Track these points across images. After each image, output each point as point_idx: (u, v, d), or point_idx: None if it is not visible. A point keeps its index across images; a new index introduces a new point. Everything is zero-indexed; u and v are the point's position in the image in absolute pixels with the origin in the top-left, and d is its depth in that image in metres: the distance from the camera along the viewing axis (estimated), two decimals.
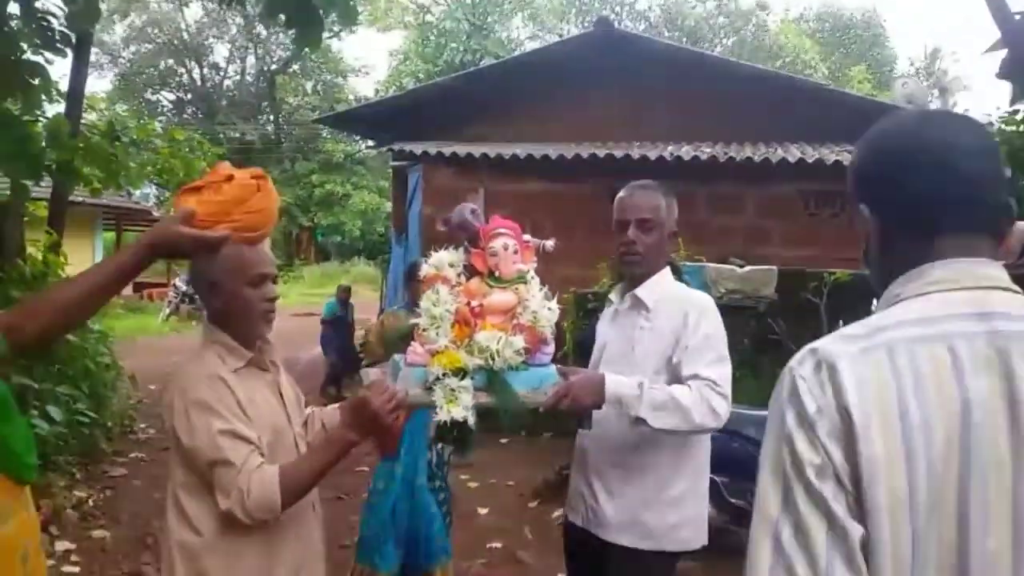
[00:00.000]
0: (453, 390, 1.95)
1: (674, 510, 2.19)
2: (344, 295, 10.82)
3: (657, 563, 2.20)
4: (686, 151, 8.50)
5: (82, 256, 18.40)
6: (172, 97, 34.24)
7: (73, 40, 5.91)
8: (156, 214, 20.76)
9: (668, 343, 2.17)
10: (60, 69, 8.22)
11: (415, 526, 3.69)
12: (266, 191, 1.74)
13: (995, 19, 4.56)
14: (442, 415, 1.94)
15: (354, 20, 5.39)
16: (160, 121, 29.80)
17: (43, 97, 6.96)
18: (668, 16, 26.70)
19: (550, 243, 2.28)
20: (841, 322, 4.17)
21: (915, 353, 0.95)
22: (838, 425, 0.94)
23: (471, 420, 1.95)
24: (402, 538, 3.63)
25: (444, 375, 1.96)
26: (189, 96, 33.96)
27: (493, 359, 1.98)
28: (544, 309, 2.08)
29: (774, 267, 5.95)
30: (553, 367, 2.11)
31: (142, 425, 7.58)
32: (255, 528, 1.78)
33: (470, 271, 2.16)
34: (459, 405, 1.94)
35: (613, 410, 2.06)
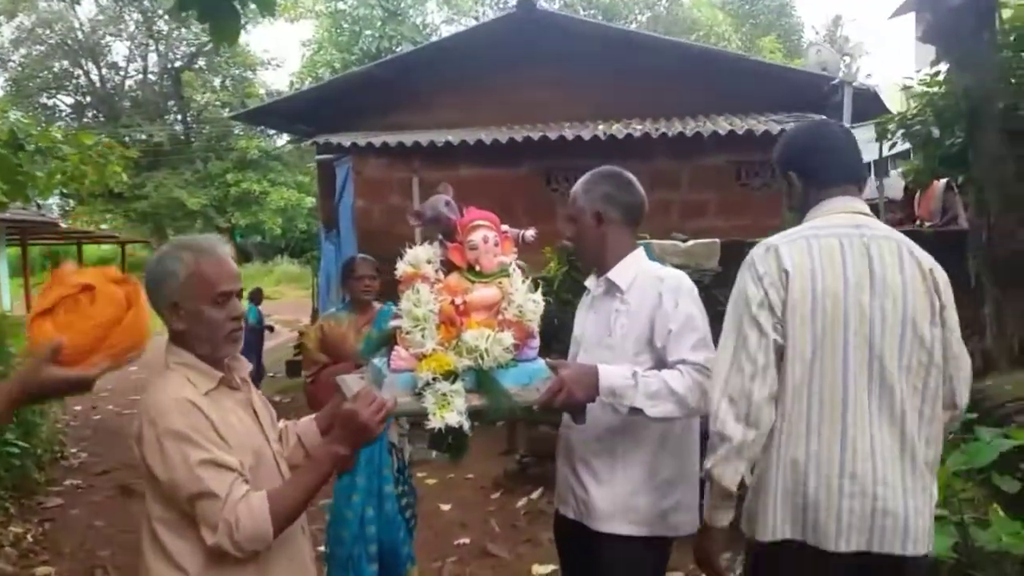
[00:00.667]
0: (445, 395, 1.83)
1: (665, 495, 2.14)
2: (257, 298, 10.50)
3: (650, 549, 2.16)
4: (618, 129, 8.50)
5: None
6: (70, 101, 32.49)
7: None
8: (63, 226, 19.72)
9: (644, 324, 2.12)
10: None
11: (387, 536, 3.58)
12: (139, 303, 1.56)
13: None
14: (435, 422, 1.81)
15: (273, 9, 5.11)
16: (59, 126, 28.30)
17: None
18: None
19: (530, 232, 2.20)
20: None
21: (821, 242, 1.79)
22: (776, 279, 1.76)
23: (466, 425, 1.83)
24: (375, 551, 3.51)
25: (434, 380, 1.84)
26: (88, 99, 32.25)
27: (483, 358, 1.88)
28: (529, 302, 2.00)
29: (716, 240, 5.97)
30: (541, 361, 2.02)
31: (73, 450, 7.17)
32: (247, 559, 1.66)
33: (447, 266, 2.05)
34: (453, 410, 1.82)
35: (607, 401, 1.99)
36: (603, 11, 25.44)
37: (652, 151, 8.34)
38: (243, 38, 28.28)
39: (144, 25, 30.46)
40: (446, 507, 5.28)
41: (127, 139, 28.16)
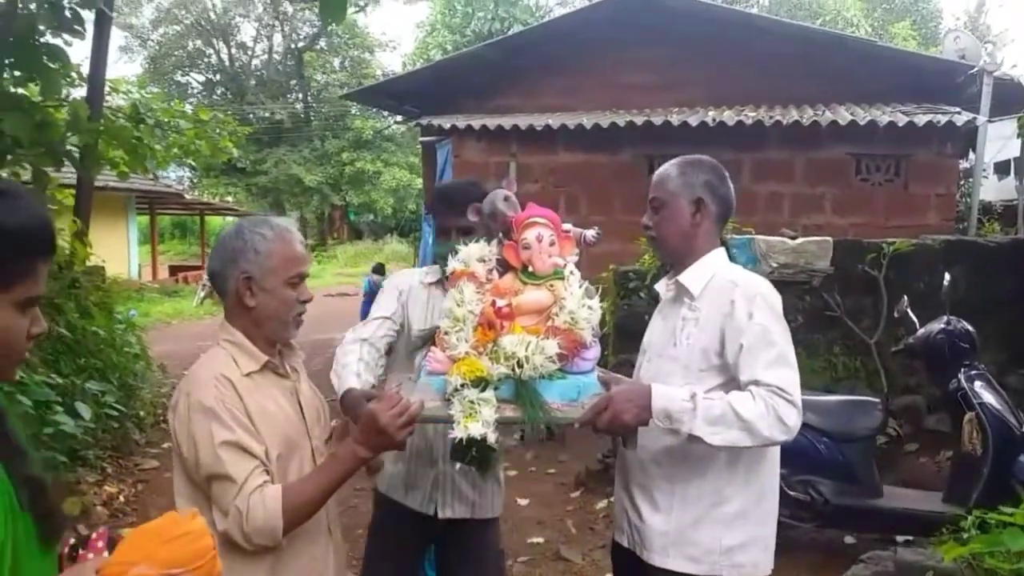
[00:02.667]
0: (472, 403, 1.67)
1: (731, 529, 1.89)
2: (379, 271, 11.25)
3: None
4: (728, 116, 8.07)
5: (117, 239, 18.54)
6: (201, 79, 34.25)
7: (84, 21, 5.70)
8: (187, 197, 20.78)
9: (713, 335, 1.87)
10: (85, 52, 7.99)
11: None
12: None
13: None
14: (458, 431, 1.65)
15: None
16: (190, 103, 29.85)
17: (63, 81, 6.81)
18: None
19: (591, 232, 2.03)
20: (905, 297, 3.80)
21: None
22: None
23: (492, 438, 1.65)
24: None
25: (463, 385, 1.68)
26: (218, 77, 33.92)
27: (521, 366, 1.70)
28: (583, 309, 1.79)
29: (829, 238, 5.54)
30: (595, 375, 1.83)
31: None
32: (261, 551, 1.60)
33: (504, 266, 1.89)
34: (479, 420, 1.65)
35: (661, 426, 1.77)
36: None
37: (764, 140, 7.89)
38: (362, 20, 29.02)
39: (271, 6, 31.65)
40: (523, 502, 5.15)
41: (251, 116, 29.45)
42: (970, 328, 4.02)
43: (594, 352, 1.83)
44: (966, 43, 9.68)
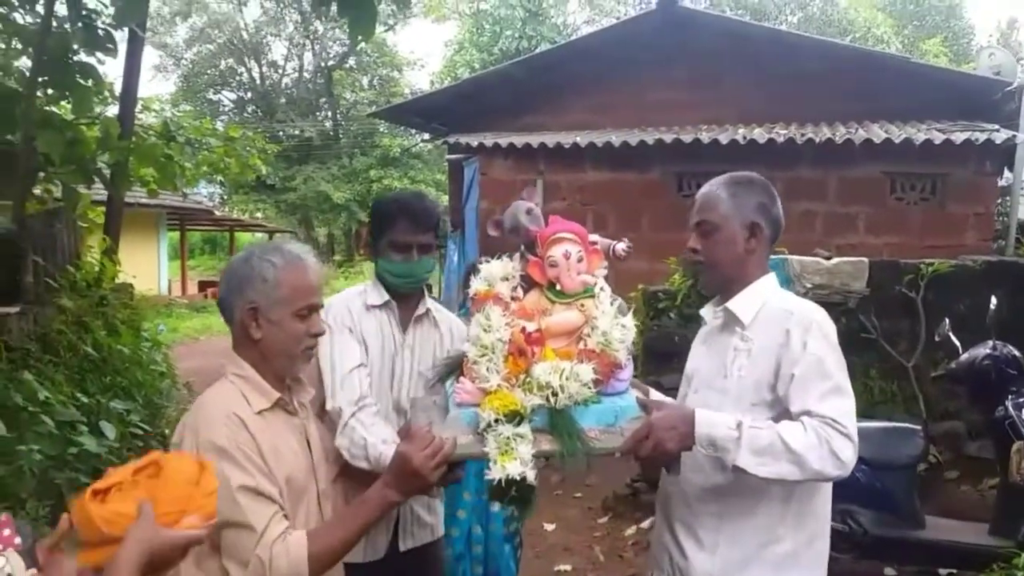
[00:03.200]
0: (508, 439, 1.57)
1: (781, 572, 1.78)
2: None
3: None
4: (759, 134, 7.95)
5: (147, 255, 18.77)
6: (233, 96, 34.77)
7: (116, 39, 5.75)
8: (217, 213, 20.99)
9: (767, 367, 1.77)
10: (118, 71, 8.07)
11: (492, 558, 3.42)
12: (209, 470, 1.30)
13: None
14: (495, 472, 1.55)
15: (408, 2, 5.12)
16: (221, 120, 30.27)
17: (96, 99, 6.88)
18: None
19: (622, 245, 1.94)
20: (946, 320, 3.67)
21: None
22: None
23: (531, 476, 1.56)
24: (481, 573, 3.36)
25: (497, 421, 1.58)
26: (249, 95, 34.40)
27: (556, 395, 1.61)
28: (617, 328, 1.70)
29: (865, 259, 5.39)
30: (632, 396, 1.73)
31: None
32: None
33: (528, 282, 1.79)
34: (516, 458, 1.55)
35: (705, 454, 1.67)
36: (751, 11, 24.37)
37: (796, 158, 7.75)
38: (391, 38, 29.32)
39: (302, 26, 32.08)
40: (550, 527, 5.04)
41: (281, 134, 29.81)
42: (1017, 353, 3.87)
43: (628, 372, 1.74)
44: (1001, 59, 9.48)
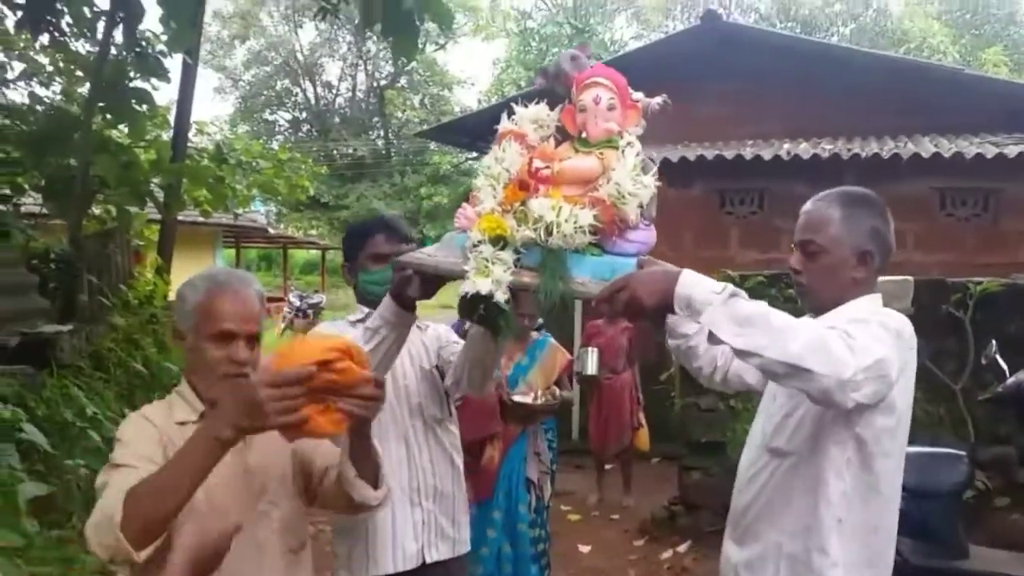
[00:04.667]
0: (486, 259, 1.56)
1: None
2: None
3: None
4: (804, 149, 7.83)
5: None
6: (288, 116, 35.70)
7: (169, 66, 5.98)
8: (271, 231, 21.49)
9: None
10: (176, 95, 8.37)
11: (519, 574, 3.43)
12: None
13: None
14: (466, 286, 1.57)
15: (450, 22, 5.23)
16: (277, 139, 31.06)
17: (151, 123, 7.16)
18: (780, 5, 25.44)
19: (658, 100, 1.80)
20: (993, 341, 3.55)
21: None
22: None
23: (500, 297, 1.55)
24: None
25: (481, 242, 1.58)
26: (304, 115, 35.28)
27: (549, 233, 1.55)
28: (632, 183, 1.60)
29: (910, 277, 5.25)
30: (634, 260, 1.62)
31: None
32: None
33: (563, 135, 1.75)
34: (488, 277, 1.55)
35: (682, 315, 1.51)
36: (802, 24, 24.06)
37: (842, 174, 7.57)
38: (441, 57, 29.74)
39: (355, 47, 32.80)
40: (585, 548, 5.02)
41: (335, 152, 30.44)
42: None
43: (642, 235, 1.65)
44: None
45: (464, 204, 1.71)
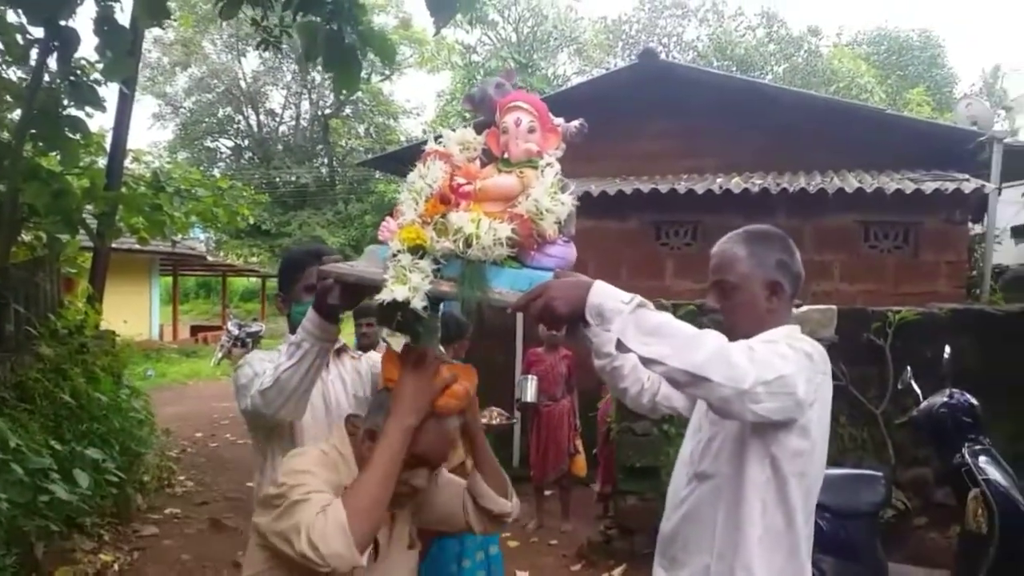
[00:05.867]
0: (404, 268, 1.62)
1: None
2: None
3: None
4: (736, 183, 8.13)
5: (140, 300, 18.84)
6: (230, 144, 35.22)
7: (103, 93, 5.89)
8: (210, 259, 21.11)
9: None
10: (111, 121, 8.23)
11: None
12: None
13: None
14: (383, 294, 1.61)
15: (392, 57, 5.31)
16: (219, 167, 30.60)
17: (85, 151, 7.03)
18: (717, 45, 26.33)
19: (575, 123, 1.85)
20: (908, 367, 3.74)
21: None
22: None
23: (417, 303, 1.60)
24: None
25: (400, 252, 1.64)
26: (246, 142, 34.86)
27: (468, 245, 1.62)
28: (550, 200, 1.65)
29: (833, 307, 5.49)
30: (551, 273, 1.68)
31: (181, 478, 7.47)
32: None
33: (489, 157, 1.82)
34: (406, 284, 1.60)
35: (593, 324, 1.56)
36: (738, 63, 24.92)
37: (772, 207, 7.90)
38: (387, 88, 29.66)
39: (299, 75, 32.66)
40: (523, 575, 5.05)
41: (277, 180, 30.12)
42: (974, 402, 3.93)
43: (561, 251, 1.71)
44: (978, 110, 9.74)
45: (387, 218, 1.77)
